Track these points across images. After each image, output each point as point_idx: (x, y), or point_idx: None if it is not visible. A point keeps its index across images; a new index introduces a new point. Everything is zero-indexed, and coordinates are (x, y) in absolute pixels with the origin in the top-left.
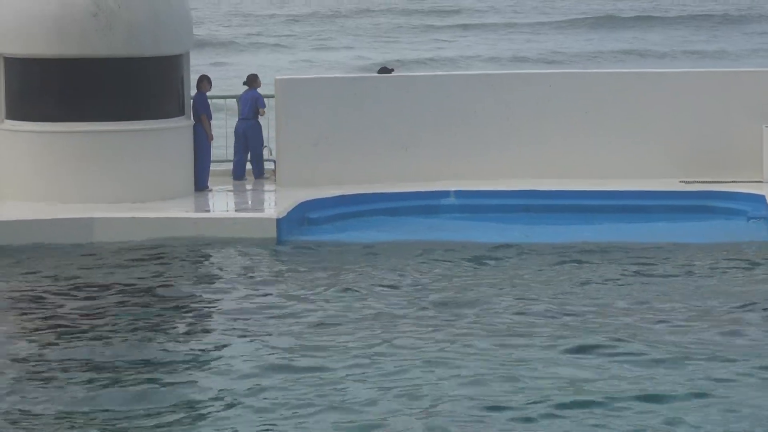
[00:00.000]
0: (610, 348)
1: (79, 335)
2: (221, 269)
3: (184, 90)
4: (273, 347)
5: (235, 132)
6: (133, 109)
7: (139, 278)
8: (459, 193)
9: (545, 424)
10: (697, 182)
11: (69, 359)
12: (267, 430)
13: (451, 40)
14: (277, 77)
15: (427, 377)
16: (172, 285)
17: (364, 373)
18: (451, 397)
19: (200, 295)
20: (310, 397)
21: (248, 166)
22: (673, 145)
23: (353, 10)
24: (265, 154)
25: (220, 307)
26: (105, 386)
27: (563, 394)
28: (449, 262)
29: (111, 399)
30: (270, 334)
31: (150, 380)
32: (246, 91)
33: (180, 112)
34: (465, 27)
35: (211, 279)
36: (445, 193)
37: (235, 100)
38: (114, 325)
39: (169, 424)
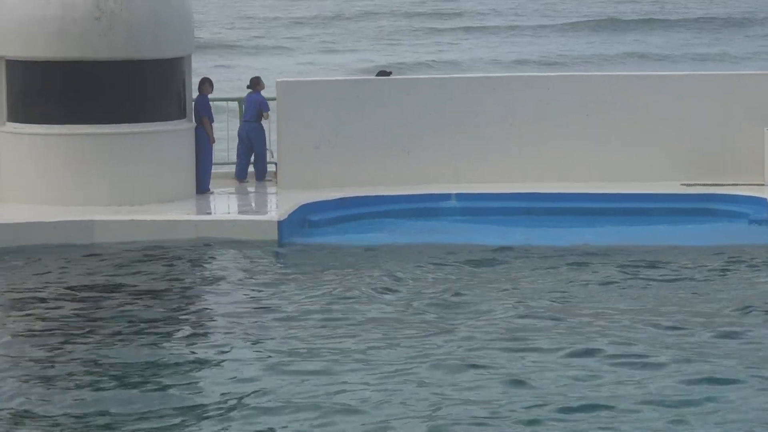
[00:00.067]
0: (612, 351)
1: (81, 337)
2: (222, 271)
3: (185, 92)
4: (274, 350)
5: (238, 135)
6: (134, 111)
7: (140, 280)
8: (460, 196)
9: (548, 427)
10: (699, 185)
11: (71, 361)
12: None
13: (453, 43)
14: (279, 79)
15: (429, 380)
16: (173, 287)
17: (365, 376)
18: (453, 400)
19: (202, 297)
20: (311, 400)
21: (250, 168)
22: (675, 148)
23: (356, 13)
24: (267, 157)
25: (221, 310)
26: (107, 388)
27: (565, 397)
28: (450, 264)
29: (113, 401)
30: (272, 337)
31: (152, 382)
32: (249, 94)
33: (181, 114)
34: (467, 30)
35: (212, 281)
36: (447, 196)
37: (236, 102)
38: (116, 327)
39: (172, 426)
